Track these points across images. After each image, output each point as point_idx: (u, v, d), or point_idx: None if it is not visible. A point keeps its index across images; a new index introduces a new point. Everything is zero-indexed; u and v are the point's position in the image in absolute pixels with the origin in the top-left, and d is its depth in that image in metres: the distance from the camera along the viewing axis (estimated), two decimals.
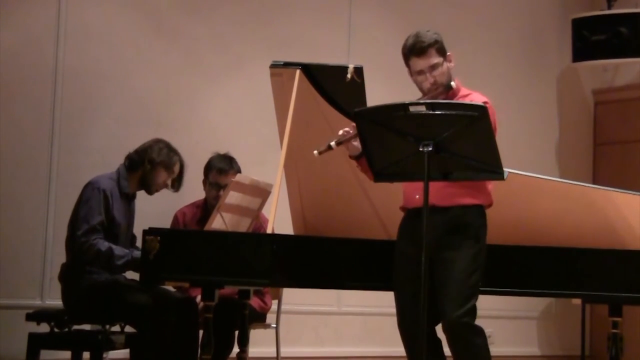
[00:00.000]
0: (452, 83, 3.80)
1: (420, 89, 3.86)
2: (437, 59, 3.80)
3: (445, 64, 3.83)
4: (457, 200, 3.76)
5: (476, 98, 3.82)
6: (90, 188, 4.62)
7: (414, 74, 3.85)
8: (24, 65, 5.52)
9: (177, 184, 4.88)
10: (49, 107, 5.56)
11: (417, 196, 3.71)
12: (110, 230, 4.62)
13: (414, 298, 3.52)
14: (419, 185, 3.53)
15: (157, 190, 4.84)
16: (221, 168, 5.11)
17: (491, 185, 3.86)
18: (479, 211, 3.81)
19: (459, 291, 3.68)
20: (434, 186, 3.54)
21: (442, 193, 3.70)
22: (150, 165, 4.75)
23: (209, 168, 5.16)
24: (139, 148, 4.82)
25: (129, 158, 4.79)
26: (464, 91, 3.90)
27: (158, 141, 4.84)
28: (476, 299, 3.75)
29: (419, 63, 3.80)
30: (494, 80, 6.85)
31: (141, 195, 4.91)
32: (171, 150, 4.82)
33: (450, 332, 3.70)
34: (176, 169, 4.82)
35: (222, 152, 5.21)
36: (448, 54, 3.86)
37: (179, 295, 4.80)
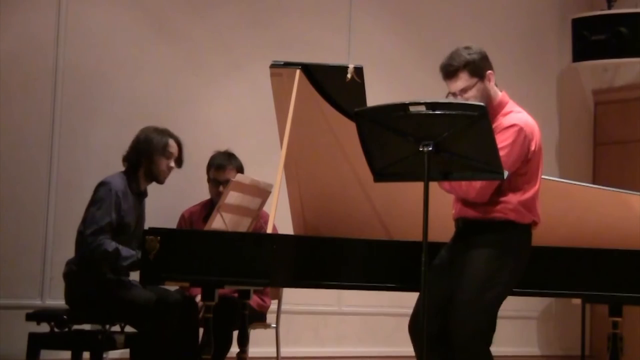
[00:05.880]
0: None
1: None
2: (467, 82, 3.67)
3: (481, 85, 3.69)
4: (487, 214, 3.66)
5: (514, 118, 3.68)
6: (104, 188, 4.62)
7: (449, 94, 3.72)
8: (24, 66, 5.52)
9: (179, 160, 4.83)
10: (49, 107, 5.56)
11: (453, 211, 3.77)
12: (120, 230, 4.63)
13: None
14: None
15: (165, 177, 4.80)
16: (219, 164, 5.17)
17: (537, 201, 3.70)
18: (511, 227, 3.66)
19: (467, 310, 3.58)
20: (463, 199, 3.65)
21: (472, 206, 3.68)
22: (148, 158, 4.73)
23: (209, 165, 5.22)
24: (132, 145, 4.79)
25: (127, 160, 4.78)
26: (508, 107, 3.75)
27: (144, 131, 4.79)
28: (488, 321, 3.61)
29: (450, 86, 3.71)
30: None
31: (149, 193, 4.90)
32: (159, 133, 4.77)
33: (455, 352, 3.63)
34: (173, 149, 4.78)
35: (222, 149, 5.24)
36: (488, 72, 3.72)
37: (179, 295, 4.80)
